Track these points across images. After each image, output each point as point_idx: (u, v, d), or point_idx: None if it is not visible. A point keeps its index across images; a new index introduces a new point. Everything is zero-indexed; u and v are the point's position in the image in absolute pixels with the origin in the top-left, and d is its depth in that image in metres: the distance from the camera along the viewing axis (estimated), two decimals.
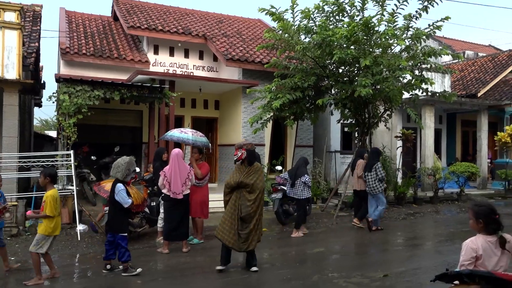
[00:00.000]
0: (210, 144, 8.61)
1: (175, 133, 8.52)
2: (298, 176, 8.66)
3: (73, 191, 8.60)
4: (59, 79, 10.05)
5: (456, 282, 2.98)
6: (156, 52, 14.28)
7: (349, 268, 6.29)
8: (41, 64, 15.86)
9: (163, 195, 7.16)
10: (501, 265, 3.16)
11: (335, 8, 10.75)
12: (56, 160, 9.31)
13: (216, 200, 10.25)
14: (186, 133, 8.34)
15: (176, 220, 6.94)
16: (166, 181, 6.94)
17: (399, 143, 14.26)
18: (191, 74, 14.19)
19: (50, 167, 7.12)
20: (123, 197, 5.89)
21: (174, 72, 14.02)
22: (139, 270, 5.87)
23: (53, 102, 10.91)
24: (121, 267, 6.04)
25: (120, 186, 5.94)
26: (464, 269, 3.02)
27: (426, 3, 10.44)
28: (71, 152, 8.91)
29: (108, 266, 6.01)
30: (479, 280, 2.86)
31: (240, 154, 6.00)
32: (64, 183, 9.26)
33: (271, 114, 11.51)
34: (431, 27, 10.61)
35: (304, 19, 11.02)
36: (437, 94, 11.99)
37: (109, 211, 6.19)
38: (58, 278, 5.72)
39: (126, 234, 5.98)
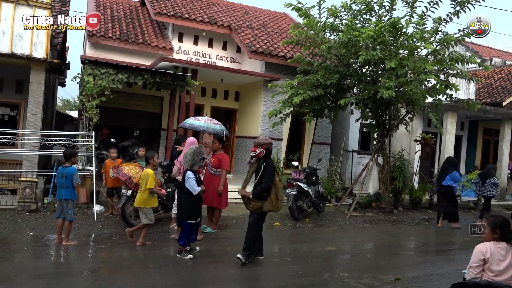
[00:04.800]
0: (226, 131, 8.58)
1: (188, 120, 8.61)
2: (488, 177, 10.87)
3: (92, 172, 8.75)
4: (84, 60, 10.19)
5: None
6: (180, 39, 14.34)
7: (360, 269, 6.28)
8: (67, 44, 16.09)
9: (177, 182, 7.24)
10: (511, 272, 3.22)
11: (362, 7, 10.62)
12: (77, 141, 9.47)
13: (230, 191, 10.29)
14: (198, 120, 8.39)
15: None
16: (182, 170, 7.00)
17: (418, 147, 14.10)
18: (214, 64, 14.21)
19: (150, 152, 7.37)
20: (192, 185, 6.05)
21: (197, 60, 14.06)
22: (190, 256, 6.09)
23: (77, 83, 11.07)
24: (198, 248, 6.36)
25: (189, 174, 6.11)
26: (482, 280, 3.00)
27: (458, 8, 10.22)
28: (93, 133, 9.05)
29: (188, 248, 6.24)
30: None
31: (258, 152, 6.09)
32: (83, 164, 9.43)
33: (291, 109, 11.48)
34: (461, 33, 10.39)
35: (330, 17, 10.93)
36: (461, 101, 11.77)
37: (180, 198, 6.37)
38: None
39: (194, 222, 6.17)
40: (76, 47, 55.51)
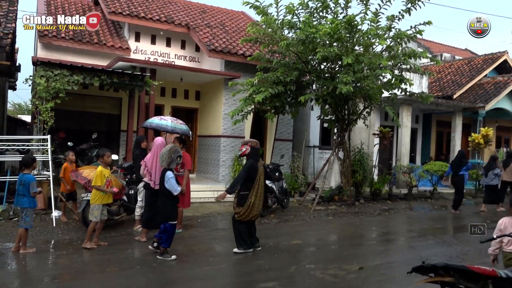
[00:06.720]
0: (190, 132, 8.56)
1: (154, 120, 8.50)
2: (490, 169, 11.87)
3: (49, 177, 8.44)
4: (36, 62, 9.77)
5: (431, 274, 3.09)
6: (137, 39, 14.06)
7: (326, 260, 6.41)
8: (16, 46, 15.40)
9: (144, 183, 7.15)
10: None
11: (319, 5, 10.82)
12: (32, 145, 9.10)
13: (194, 191, 10.21)
14: (165, 120, 8.32)
15: (155, 209, 6.90)
16: (147, 171, 6.92)
17: (377, 140, 14.53)
18: (173, 63, 14.04)
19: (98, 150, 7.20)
20: (172, 184, 6.01)
21: (155, 60, 13.83)
22: (173, 257, 6.04)
23: (29, 86, 10.63)
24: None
25: (169, 174, 6.06)
26: (439, 262, 3.13)
27: (409, 5, 10.61)
28: (48, 137, 8.72)
29: (155, 244, 6.24)
30: (454, 273, 2.97)
31: (244, 149, 6.46)
32: (39, 169, 9.06)
33: (252, 107, 11.53)
34: (413, 30, 10.79)
35: (288, 14, 11.06)
36: (415, 95, 12.25)
37: (159, 200, 6.23)
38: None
39: (175, 222, 6.18)
40: (27, 49, 53.25)
